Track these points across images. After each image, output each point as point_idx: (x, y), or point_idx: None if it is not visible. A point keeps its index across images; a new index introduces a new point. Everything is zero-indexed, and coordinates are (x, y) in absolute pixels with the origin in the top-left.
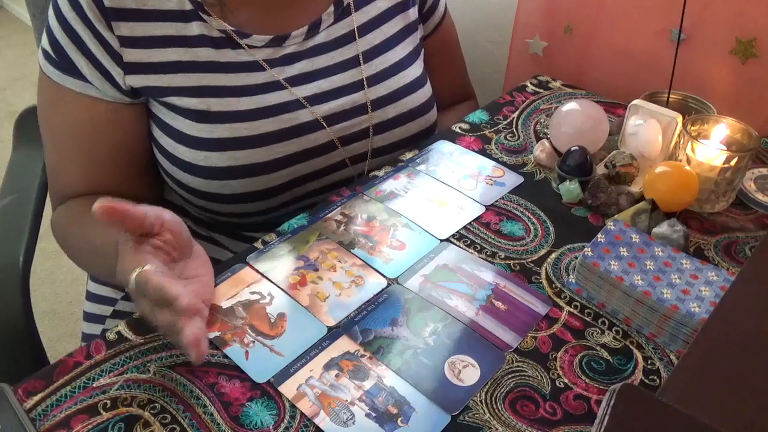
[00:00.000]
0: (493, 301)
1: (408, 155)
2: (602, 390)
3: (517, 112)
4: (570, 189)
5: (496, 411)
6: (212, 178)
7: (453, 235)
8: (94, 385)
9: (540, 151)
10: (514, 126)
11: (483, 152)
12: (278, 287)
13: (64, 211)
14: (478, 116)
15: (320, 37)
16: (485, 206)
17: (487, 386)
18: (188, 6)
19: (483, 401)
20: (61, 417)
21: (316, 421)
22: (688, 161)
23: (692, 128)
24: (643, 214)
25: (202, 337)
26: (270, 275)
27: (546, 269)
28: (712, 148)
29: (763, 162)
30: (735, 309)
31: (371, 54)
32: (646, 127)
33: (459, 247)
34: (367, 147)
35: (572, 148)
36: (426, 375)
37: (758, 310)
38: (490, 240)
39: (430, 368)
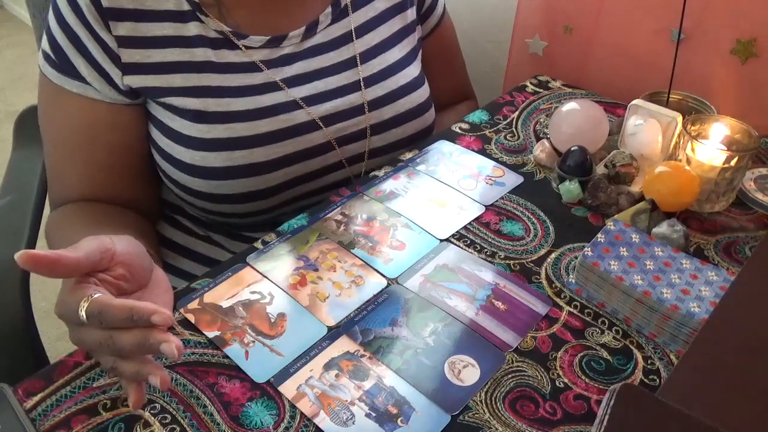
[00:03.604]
0: (493, 301)
1: (408, 155)
2: (602, 390)
3: (517, 112)
4: (570, 189)
5: (496, 411)
6: (209, 178)
7: (453, 235)
8: (94, 385)
9: (540, 151)
10: (514, 126)
11: (483, 152)
12: (278, 287)
13: (55, 217)
14: (478, 116)
15: (317, 38)
16: (485, 206)
17: (487, 386)
18: (186, 6)
19: (483, 401)
20: (61, 417)
21: (316, 421)
22: (688, 161)
23: (692, 128)
24: (643, 214)
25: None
26: (270, 275)
27: (546, 269)
28: (712, 148)
29: (763, 162)
30: (735, 309)
31: (369, 55)
32: (646, 127)
33: (459, 247)
34: (364, 148)
35: (572, 148)
36: (426, 375)
37: (758, 310)
38: (490, 240)
39: (430, 368)
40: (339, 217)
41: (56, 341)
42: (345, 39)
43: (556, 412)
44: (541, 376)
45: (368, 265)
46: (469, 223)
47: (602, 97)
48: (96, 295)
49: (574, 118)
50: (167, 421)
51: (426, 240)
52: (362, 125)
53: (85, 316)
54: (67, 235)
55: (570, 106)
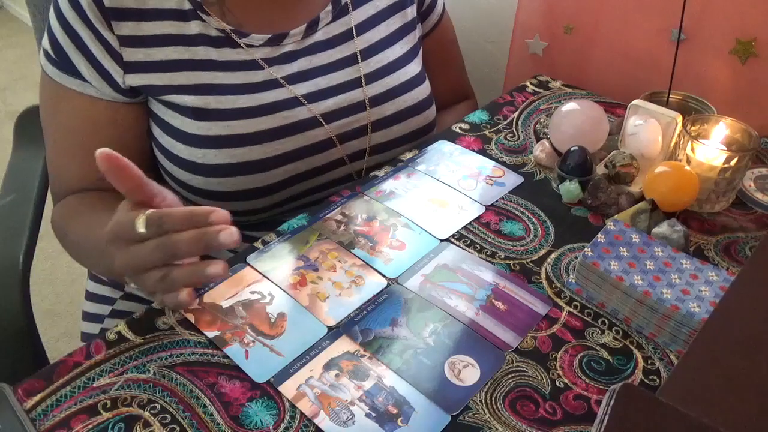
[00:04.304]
0: (493, 301)
1: (408, 155)
2: (602, 390)
3: (517, 112)
4: (570, 189)
5: (496, 411)
6: (210, 176)
7: (453, 235)
8: (94, 385)
9: (540, 151)
10: (514, 126)
11: (483, 152)
12: (278, 287)
13: (62, 207)
14: (478, 116)
15: (318, 36)
16: (485, 206)
17: (487, 386)
18: (187, 5)
19: (483, 401)
20: (61, 417)
21: (316, 421)
22: (688, 161)
23: (692, 128)
24: (643, 214)
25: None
26: (270, 275)
27: (546, 269)
28: (712, 148)
29: (763, 162)
30: (735, 309)
31: (369, 52)
32: (646, 127)
33: (459, 247)
34: (365, 144)
35: (572, 148)
36: (426, 375)
37: (758, 310)
38: (490, 240)
39: (430, 368)
40: (339, 217)
41: (56, 341)
42: (346, 36)
43: (556, 412)
44: (541, 376)
45: (368, 265)
46: (469, 223)
47: (602, 97)
48: (150, 211)
49: (574, 118)
50: (167, 421)
51: (426, 240)
52: (363, 122)
53: (143, 226)
54: (79, 219)
55: (570, 106)
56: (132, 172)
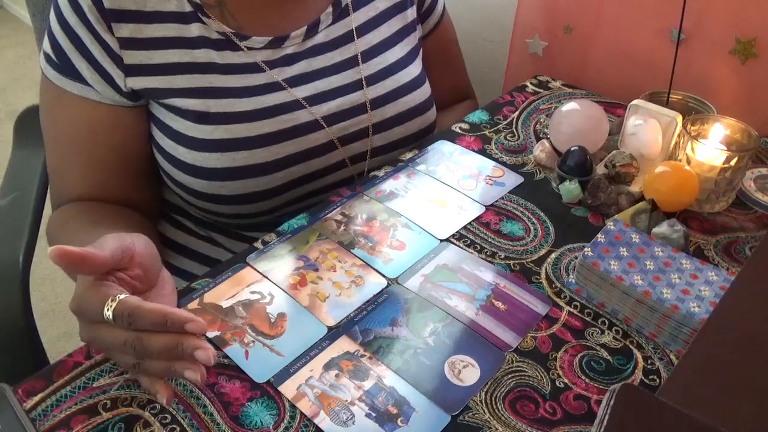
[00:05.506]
0: (493, 301)
1: (408, 155)
2: (602, 390)
3: (517, 112)
4: (570, 189)
5: (496, 411)
6: (211, 179)
7: (453, 235)
8: (94, 385)
9: (540, 151)
10: (514, 126)
11: (483, 152)
12: (278, 287)
13: (57, 216)
14: (478, 116)
15: (319, 38)
16: (485, 206)
17: (487, 386)
18: (188, 8)
19: (483, 401)
20: (61, 417)
21: (316, 421)
22: (688, 161)
23: (692, 128)
24: (643, 214)
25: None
26: (270, 275)
27: (546, 269)
28: (712, 148)
29: (763, 162)
30: (735, 309)
31: (370, 54)
32: (646, 127)
33: (459, 247)
34: (366, 147)
35: (572, 148)
36: (426, 375)
37: (758, 310)
38: (490, 240)
39: (430, 368)
40: (339, 217)
41: (56, 341)
42: (346, 38)
43: (556, 412)
44: (541, 376)
45: (368, 265)
46: (469, 223)
47: (602, 97)
48: (122, 296)
49: (574, 118)
50: (167, 421)
51: (426, 240)
52: (364, 124)
53: (111, 316)
54: (70, 234)
55: (570, 106)
56: (92, 258)
